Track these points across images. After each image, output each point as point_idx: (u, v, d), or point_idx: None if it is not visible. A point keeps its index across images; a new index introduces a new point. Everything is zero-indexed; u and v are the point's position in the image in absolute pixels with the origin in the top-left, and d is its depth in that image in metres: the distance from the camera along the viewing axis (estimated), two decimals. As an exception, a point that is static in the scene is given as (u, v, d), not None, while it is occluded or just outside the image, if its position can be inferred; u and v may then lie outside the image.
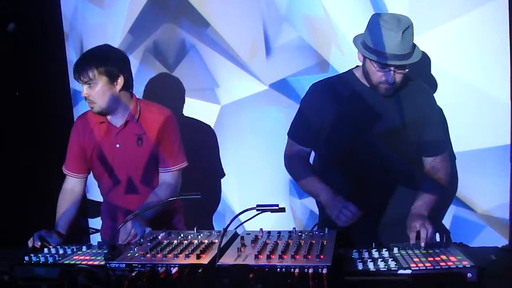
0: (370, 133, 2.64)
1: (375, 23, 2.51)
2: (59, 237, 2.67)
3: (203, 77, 3.74)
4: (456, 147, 3.16)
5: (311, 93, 2.79)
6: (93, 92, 2.72)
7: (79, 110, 3.93)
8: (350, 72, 2.76)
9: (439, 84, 3.15)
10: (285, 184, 3.63)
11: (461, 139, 3.15)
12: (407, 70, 2.53)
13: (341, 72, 2.88)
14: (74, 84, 4.07)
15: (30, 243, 2.56)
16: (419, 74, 2.82)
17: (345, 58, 3.30)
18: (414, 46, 2.55)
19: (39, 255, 2.30)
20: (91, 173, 3.01)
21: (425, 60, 3.08)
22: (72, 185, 2.95)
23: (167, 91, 3.82)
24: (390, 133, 2.64)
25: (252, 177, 3.72)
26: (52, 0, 4.05)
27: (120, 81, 2.76)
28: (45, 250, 2.42)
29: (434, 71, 3.16)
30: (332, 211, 2.58)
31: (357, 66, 2.74)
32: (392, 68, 2.49)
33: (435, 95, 2.85)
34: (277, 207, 2.15)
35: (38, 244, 2.54)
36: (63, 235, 2.73)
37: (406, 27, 2.46)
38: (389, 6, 3.18)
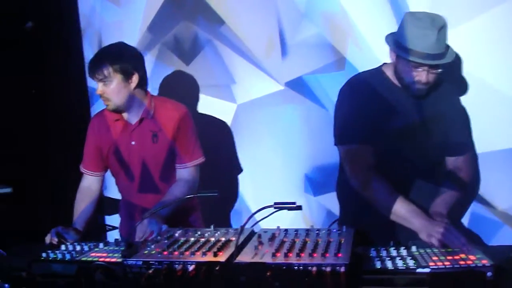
0: (399, 132, 2.60)
1: (409, 22, 2.48)
2: (76, 234, 2.68)
3: (219, 74, 3.74)
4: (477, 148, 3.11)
5: (348, 91, 2.70)
6: (108, 90, 2.72)
7: (95, 109, 3.95)
8: (379, 70, 2.71)
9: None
10: (300, 182, 3.61)
11: (480, 140, 3.09)
12: (440, 70, 2.49)
13: (367, 70, 2.82)
14: (91, 82, 4.09)
15: (47, 240, 2.58)
16: (449, 76, 2.76)
17: (363, 55, 3.27)
18: (448, 46, 2.51)
19: (56, 251, 2.32)
20: (109, 170, 3.02)
21: (457, 61, 3.03)
22: (89, 183, 2.97)
23: (183, 89, 3.82)
24: (416, 132, 2.61)
25: (268, 175, 3.71)
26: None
27: (135, 78, 2.76)
28: (63, 246, 2.43)
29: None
30: (431, 238, 2.31)
31: (384, 64, 2.70)
32: (426, 68, 2.46)
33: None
34: (294, 205, 2.15)
35: (55, 240, 2.55)
36: (80, 232, 2.74)
37: (441, 26, 2.42)
38: (410, 2, 3.13)
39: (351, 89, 2.71)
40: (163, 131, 2.84)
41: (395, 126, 2.59)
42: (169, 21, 3.81)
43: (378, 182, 2.53)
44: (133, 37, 3.89)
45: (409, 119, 2.60)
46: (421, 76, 2.48)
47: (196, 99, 3.82)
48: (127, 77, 2.74)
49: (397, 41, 2.52)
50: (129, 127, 2.86)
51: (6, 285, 2.01)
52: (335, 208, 3.21)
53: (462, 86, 3.03)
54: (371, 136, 2.59)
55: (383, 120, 2.60)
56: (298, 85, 3.55)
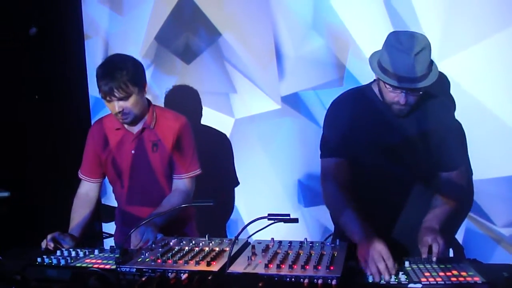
0: (385, 148, 2.61)
1: (390, 42, 2.47)
2: (72, 240, 2.68)
3: (219, 83, 3.78)
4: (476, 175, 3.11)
5: (335, 106, 2.73)
6: (128, 105, 2.72)
7: (97, 115, 3.97)
8: (369, 86, 2.73)
9: (467, 108, 3.07)
10: (294, 194, 3.66)
11: (479, 166, 3.10)
12: (421, 92, 2.49)
13: (358, 86, 2.85)
14: (92, 90, 4.12)
15: (43, 245, 2.58)
16: (440, 90, 2.77)
17: (362, 72, 3.29)
18: (431, 66, 2.48)
19: (51, 256, 2.32)
20: (106, 178, 3.03)
21: (443, 78, 3.05)
22: (86, 190, 2.97)
23: (185, 99, 3.84)
24: (406, 148, 2.61)
25: (262, 187, 3.74)
26: (73, 6, 4.11)
27: (146, 88, 2.80)
28: (58, 252, 2.44)
29: (465, 95, 3.09)
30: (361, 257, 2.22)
31: (375, 80, 2.73)
32: (404, 90, 2.47)
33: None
34: (289, 218, 2.15)
35: (51, 245, 2.56)
36: (76, 238, 2.74)
37: (420, 49, 2.39)
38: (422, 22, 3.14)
39: (335, 104, 2.74)
40: (163, 141, 2.85)
41: (382, 142, 2.60)
42: (174, 30, 3.86)
43: (334, 195, 2.55)
44: (137, 46, 3.93)
45: (396, 135, 2.60)
46: (400, 98, 2.46)
47: (197, 110, 3.84)
48: (142, 88, 2.77)
49: (379, 61, 2.52)
50: (130, 136, 2.87)
51: None
52: (327, 220, 3.24)
53: (453, 100, 3.05)
54: (351, 151, 2.61)
55: (367, 136, 2.61)
56: (294, 100, 3.59)
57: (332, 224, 2.91)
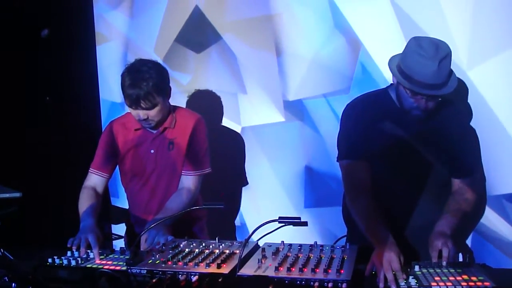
0: (401, 152, 2.61)
1: (412, 48, 2.45)
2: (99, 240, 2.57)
3: (226, 83, 3.82)
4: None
5: (353, 108, 2.72)
6: (153, 113, 2.73)
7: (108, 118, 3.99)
8: (385, 90, 2.72)
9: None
10: (301, 196, 3.68)
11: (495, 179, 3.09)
12: (440, 99, 2.49)
13: (374, 90, 2.82)
14: (103, 94, 4.15)
15: (74, 246, 2.46)
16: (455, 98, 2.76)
17: (369, 79, 3.30)
18: (451, 73, 2.47)
19: (62, 257, 2.33)
20: (120, 178, 3.03)
21: (462, 85, 3.01)
22: (94, 183, 2.92)
23: (205, 101, 3.88)
24: (421, 153, 2.61)
25: (268, 190, 3.76)
26: (85, 8, 4.14)
27: (170, 93, 2.81)
28: (68, 253, 2.43)
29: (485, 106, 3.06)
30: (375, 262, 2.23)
31: (391, 84, 2.71)
32: (424, 97, 2.47)
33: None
34: (299, 221, 2.16)
35: (83, 251, 2.44)
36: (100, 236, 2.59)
37: (444, 56, 2.38)
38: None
39: (352, 107, 2.73)
40: (179, 139, 2.86)
41: (397, 146, 2.60)
42: (195, 31, 3.89)
43: (362, 201, 2.54)
44: (149, 47, 3.96)
45: (412, 140, 2.60)
46: (420, 103, 2.46)
47: (218, 111, 3.87)
48: (166, 96, 2.79)
49: (399, 66, 2.51)
50: (149, 136, 2.88)
51: (14, 284, 2.03)
52: (331, 224, 3.25)
53: (469, 108, 3.04)
54: (369, 154, 2.61)
55: (384, 140, 2.61)
56: (298, 107, 3.61)
57: (336, 227, 2.91)
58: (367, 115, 2.64)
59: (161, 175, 2.90)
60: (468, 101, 3.04)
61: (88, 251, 2.43)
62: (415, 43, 2.45)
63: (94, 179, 2.95)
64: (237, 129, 3.81)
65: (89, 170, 2.96)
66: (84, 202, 2.83)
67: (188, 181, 2.89)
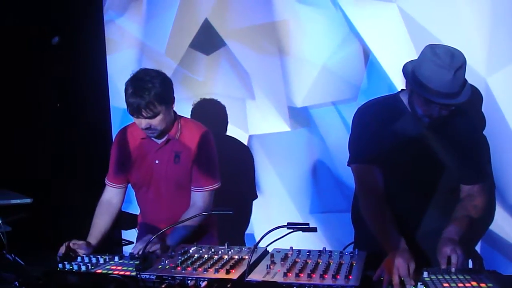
0: (411, 158, 2.61)
1: (427, 56, 2.43)
2: (88, 248, 2.68)
3: (235, 89, 3.85)
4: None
5: (364, 112, 2.71)
6: (155, 122, 2.72)
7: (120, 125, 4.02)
8: (396, 95, 2.71)
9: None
10: (306, 202, 3.69)
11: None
12: (453, 107, 2.49)
13: (385, 95, 2.82)
14: (115, 101, 4.18)
15: (62, 251, 2.58)
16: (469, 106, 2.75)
17: (377, 87, 3.31)
18: (465, 82, 2.46)
19: (72, 263, 2.35)
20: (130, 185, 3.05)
21: (476, 93, 2.97)
22: (110, 196, 2.97)
23: (211, 110, 3.88)
24: (431, 159, 2.61)
25: (274, 197, 3.78)
26: (95, 15, 4.18)
27: (174, 102, 2.82)
28: (78, 258, 2.46)
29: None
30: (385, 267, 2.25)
31: (402, 90, 2.71)
32: (438, 105, 2.45)
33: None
34: (308, 227, 2.16)
35: (62, 252, 2.56)
36: (92, 246, 2.75)
37: (459, 65, 2.37)
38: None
39: (363, 111, 2.72)
40: (185, 152, 2.85)
41: (407, 151, 2.60)
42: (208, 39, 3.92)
43: (374, 205, 2.54)
44: (159, 53, 3.98)
45: (423, 146, 2.60)
46: (433, 111, 2.45)
47: (223, 122, 3.88)
48: (169, 105, 2.78)
49: (413, 73, 2.50)
50: (154, 145, 2.88)
51: None
52: (337, 230, 3.26)
53: (482, 115, 3.03)
54: (380, 158, 2.60)
55: (395, 145, 2.60)
56: (304, 114, 3.62)
57: (343, 233, 2.91)
58: (379, 119, 2.63)
59: (166, 186, 2.90)
60: (483, 107, 3.02)
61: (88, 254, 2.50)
62: (431, 51, 2.43)
63: (109, 192, 2.98)
64: (245, 137, 3.81)
65: (105, 182, 3.00)
66: (96, 220, 2.90)
67: (199, 197, 2.86)
